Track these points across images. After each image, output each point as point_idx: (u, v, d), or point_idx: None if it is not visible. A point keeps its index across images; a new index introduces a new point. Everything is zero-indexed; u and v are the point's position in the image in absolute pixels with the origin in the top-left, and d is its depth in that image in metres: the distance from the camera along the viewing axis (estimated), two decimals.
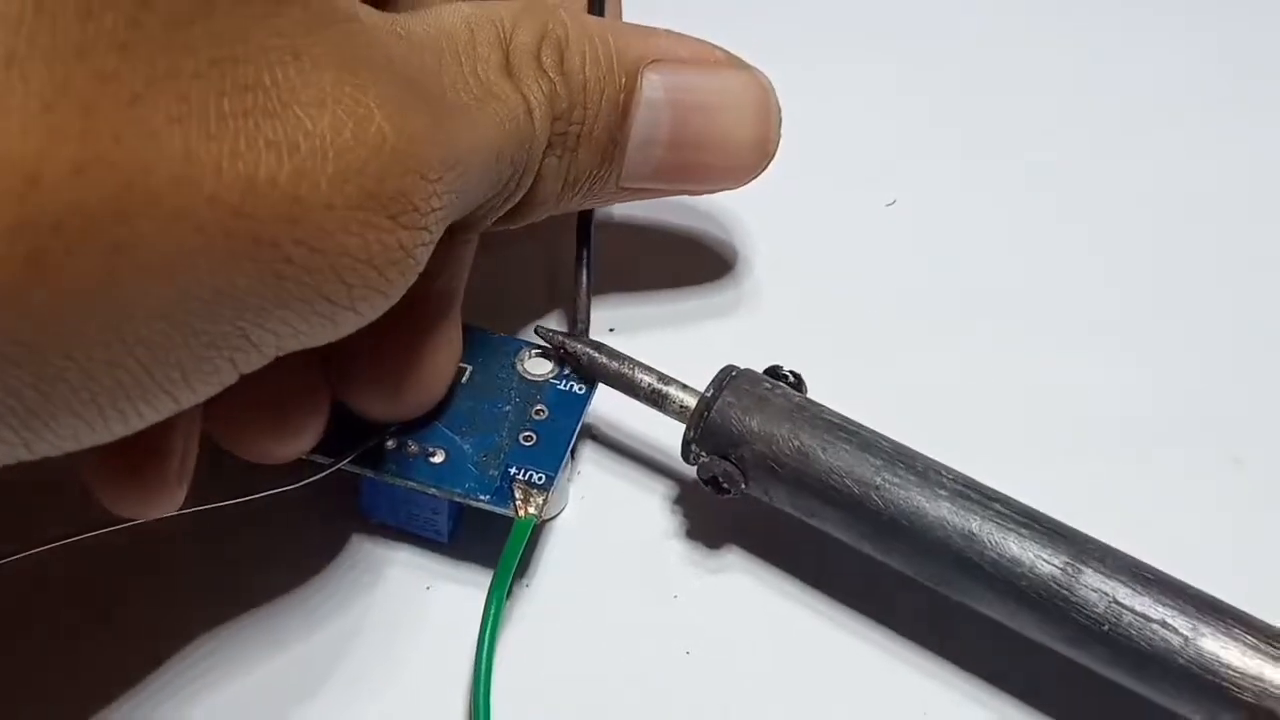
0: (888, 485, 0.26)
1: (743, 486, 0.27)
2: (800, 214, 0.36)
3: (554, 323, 0.33)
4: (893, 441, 0.27)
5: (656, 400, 0.29)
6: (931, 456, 0.28)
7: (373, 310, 0.22)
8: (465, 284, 0.28)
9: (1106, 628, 0.25)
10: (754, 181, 0.31)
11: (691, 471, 0.28)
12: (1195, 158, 0.38)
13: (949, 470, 0.27)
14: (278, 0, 0.20)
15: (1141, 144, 0.38)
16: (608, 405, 0.31)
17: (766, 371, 0.29)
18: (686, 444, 0.28)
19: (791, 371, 0.29)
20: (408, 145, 0.21)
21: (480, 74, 0.25)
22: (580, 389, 0.29)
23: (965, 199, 0.37)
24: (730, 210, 0.35)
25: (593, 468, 0.31)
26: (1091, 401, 0.33)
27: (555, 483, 0.27)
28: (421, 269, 0.23)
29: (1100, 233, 0.36)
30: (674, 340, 0.33)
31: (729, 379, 0.28)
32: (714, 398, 0.28)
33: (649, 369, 0.29)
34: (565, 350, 0.29)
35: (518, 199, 0.27)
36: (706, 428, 0.28)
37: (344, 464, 0.27)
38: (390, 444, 0.27)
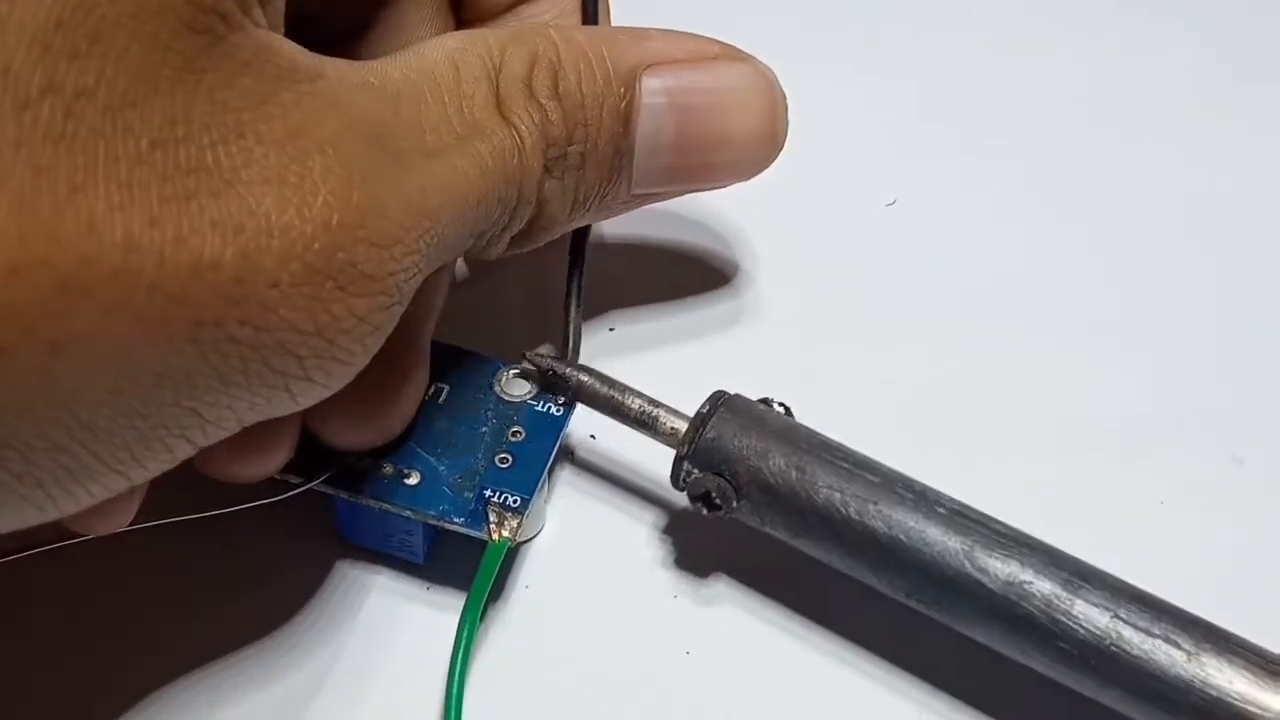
0: (884, 504, 0.26)
1: (734, 504, 0.27)
2: (800, 213, 0.35)
3: (543, 345, 0.32)
4: (886, 466, 0.27)
5: (647, 424, 0.28)
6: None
7: (335, 380, 0.22)
8: (438, 312, 0.28)
9: (1109, 642, 0.25)
10: (753, 182, 0.31)
11: (677, 496, 0.28)
12: (1195, 158, 0.38)
13: (944, 494, 0.27)
14: (228, 72, 0.20)
15: (1141, 144, 0.38)
16: (594, 428, 0.31)
17: (758, 401, 0.28)
18: (679, 461, 0.28)
19: (781, 403, 0.29)
20: (356, 217, 0.21)
21: (465, 112, 0.24)
22: (558, 410, 0.29)
23: (965, 199, 0.36)
24: (729, 210, 0.35)
25: (572, 490, 0.31)
26: (1091, 401, 0.32)
27: (530, 506, 0.27)
28: (388, 332, 0.23)
29: (1100, 233, 0.36)
30: (673, 341, 0.33)
31: (721, 401, 0.28)
32: (708, 415, 0.28)
33: (638, 393, 0.29)
34: (554, 374, 0.29)
35: (518, 229, 0.27)
36: (700, 446, 0.27)
37: (316, 484, 0.27)
38: (365, 464, 0.27)
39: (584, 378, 0.29)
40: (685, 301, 0.34)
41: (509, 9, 0.29)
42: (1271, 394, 0.33)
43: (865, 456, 0.27)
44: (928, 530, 0.26)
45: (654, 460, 0.30)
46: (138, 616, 0.28)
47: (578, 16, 0.30)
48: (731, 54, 0.29)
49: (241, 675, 0.27)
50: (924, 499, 0.26)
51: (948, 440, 0.31)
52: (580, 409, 0.29)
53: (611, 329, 0.33)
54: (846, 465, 0.27)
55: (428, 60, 0.24)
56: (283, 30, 0.22)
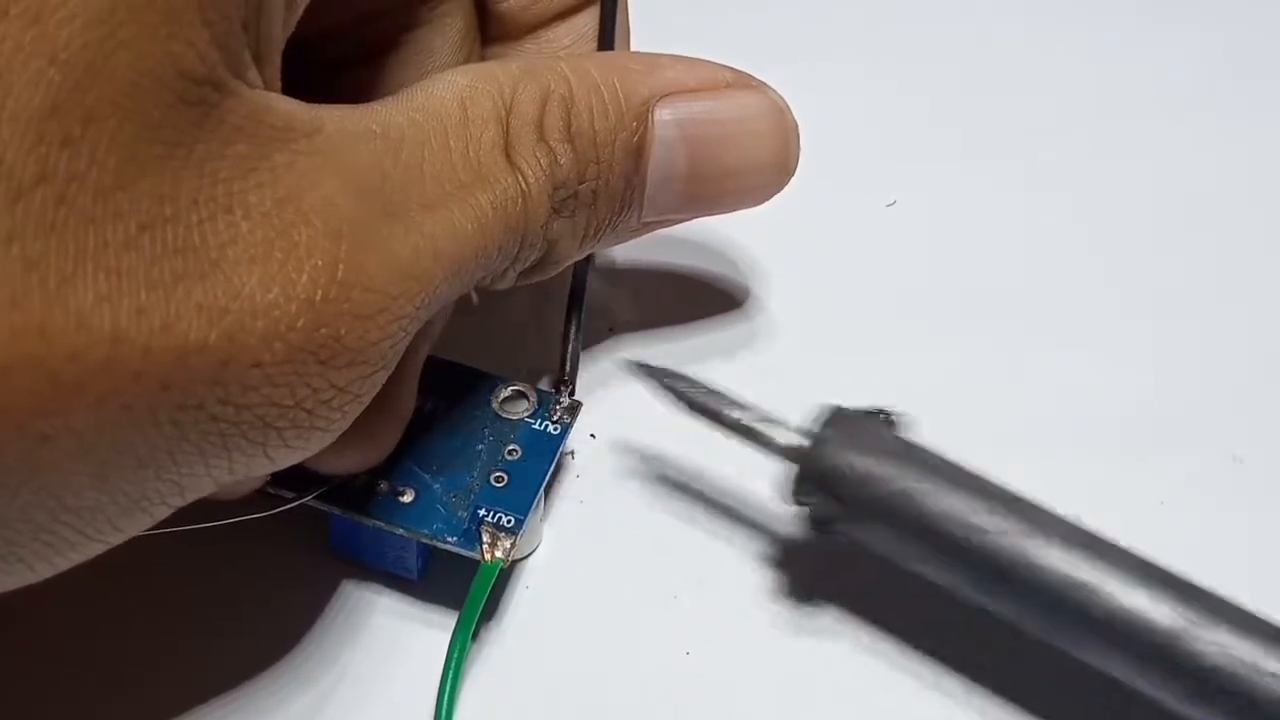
0: (1011, 532, 0.26)
1: (848, 525, 0.27)
2: (799, 214, 0.35)
3: (539, 365, 0.32)
4: (1005, 488, 0.27)
5: (755, 437, 0.28)
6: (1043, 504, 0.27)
7: (314, 445, 0.22)
8: (429, 346, 0.28)
9: (1225, 679, 0.24)
10: None
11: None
12: (1195, 157, 0.37)
13: (1065, 518, 0.26)
14: (220, 140, 0.20)
15: (1142, 143, 0.38)
16: (593, 428, 0.31)
17: (869, 413, 0.28)
18: (796, 482, 0.27)
19: (889, 412, 0.28)
20: (340, 291, 0.21)
21: (471, 156, 0.24)
22: (555, 429, 0.29)
23: (966, 199, 0.37)
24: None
25: (572, 490, 0.31)
26: (1092, 402, 0.32)
27: (524, 525, 0.27)
28: (370, 398, 0.23)
29: (1101, 232, 0.36)
30: (672, 341, 0.33)
31: (837, 418, 0.27)
32: (824, 437, 0.27)
33: (745, 405, 0.28)
34: (662, 384, 0.29)
35: (525, 267, 0.26)
36: (816, 467, 0.27)
37: (309, 499, 0.27)
38: (360, 481, 0.27)
39: (688, 388, 0.28)
40: (681, 301, 0.34)
41: (534, 30, 0.29)
42: (1271, 394, 0.33)
43: (986, 479, 0.27)
44: (1051, 559, 0.26)
45: (655, 460, 0.31)
46: (125, 629, 0.28)
47: (592, 44, 0.30)
48: (744, 82, 0.29)
49: (232, 695, 0.27)
50: (1050, 525, 0.26)
51: (946, 441, 0.31)
52: (575, 426, 0.29)
53: (611, 329, 0.33)
54: (968, 488, 0.26)
55: (435, 100, 0.24)
56: (279, 85, 0.22)
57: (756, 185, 0.30)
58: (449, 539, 0.27)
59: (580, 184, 0.26)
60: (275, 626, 0.28)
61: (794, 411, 0.29)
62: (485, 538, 0.27)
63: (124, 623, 0.28)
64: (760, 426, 0.28)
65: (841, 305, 0.34)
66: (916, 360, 0.33)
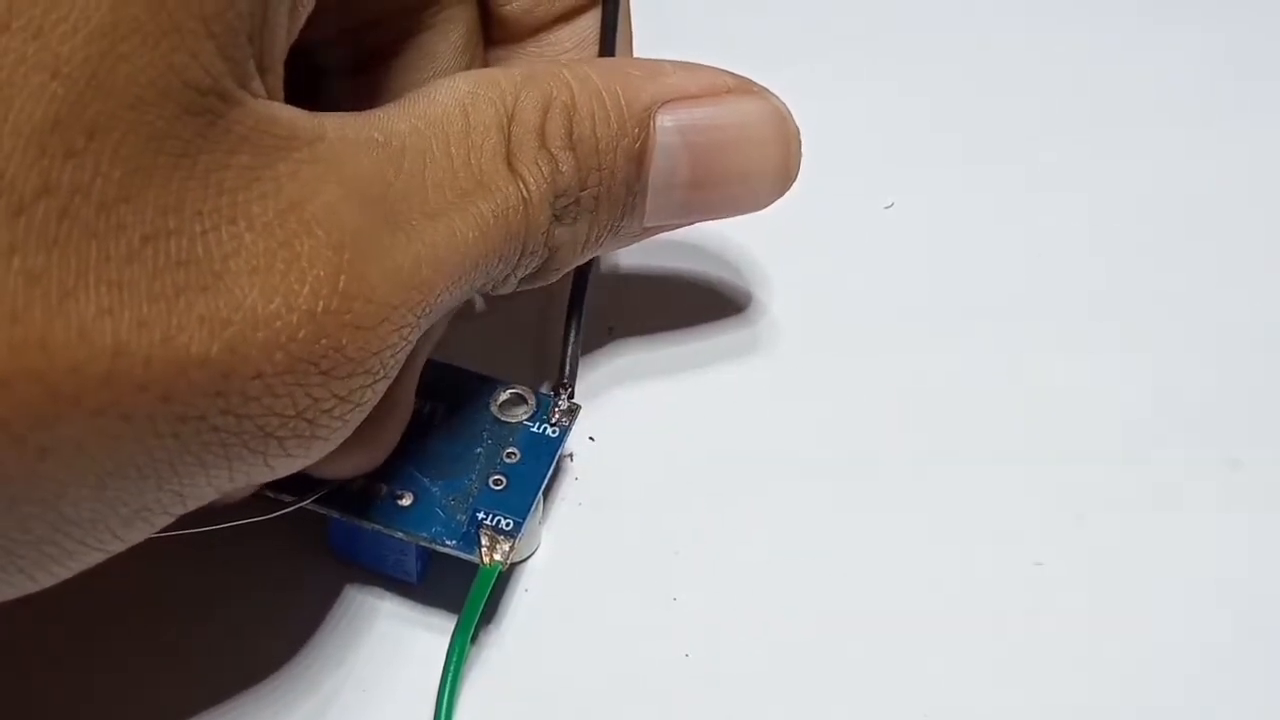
0: None
1: None
2: (800, 217, 0.35)
3: (539, 368, 0.32)
4: None
5: None
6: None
7: (315, 453, 0.22)
8: (429, 351, 0.28)
9: None
10: None
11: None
12: (1196, 159, 0.37)
13: None
14: (225, 150, 0.20)
15: (1142, 146, 0.38)
16: (592, 431, 0.31)
17: None
18: None
19: None
20: (342, 303, 0.21)
21: (473, 163, 0.24)
22: (553, 433, 0.29)
23: (966, 201, 0.37)
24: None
25: (570, 493, 0.31)
26: (1091, 402, 0.32)
27: (523, 528, 0.27)
28: (371, 406, 0.23)
29: (1100, 234, 0.36)
30: (673, 345, 0.33)
31: None
32: None
33: None
34: None
35: (526, 273, 0.26)
36: None
37: (308, 503, 0.27)
38: (359, 484, 0.27)
39: None
40: (679, 301, 0.34)
41: (537, 33, 0.29)
42: (1271, 394, 0.33)
43: None
44: None
45: (654, 462, 0.31)
46: (126, 631, 0.28)
47: (592, 50, 0.30)
48: (745, 88, 0.29)
49: (231, 699, 0.27)
50: None
51: (946, 442, 0.32)
52: (574, 429, 0.29)
53: (611, 328, 0.33)
54: None
55: (437, 107, 0.24)
56: (282, 95, 0.22)
57: (758, 191, 0.30)
58: (448, 542, 0.27)
59: (582, 191, 0.26)
60: (275, 630, 0.28)
61: (797, 414, 0.29)
62: (484, 541, 0.27)
63: (124, 625, 0.28)
64: None
65: (842, 308, 0.34)
66: (917, 362, 0.33)
